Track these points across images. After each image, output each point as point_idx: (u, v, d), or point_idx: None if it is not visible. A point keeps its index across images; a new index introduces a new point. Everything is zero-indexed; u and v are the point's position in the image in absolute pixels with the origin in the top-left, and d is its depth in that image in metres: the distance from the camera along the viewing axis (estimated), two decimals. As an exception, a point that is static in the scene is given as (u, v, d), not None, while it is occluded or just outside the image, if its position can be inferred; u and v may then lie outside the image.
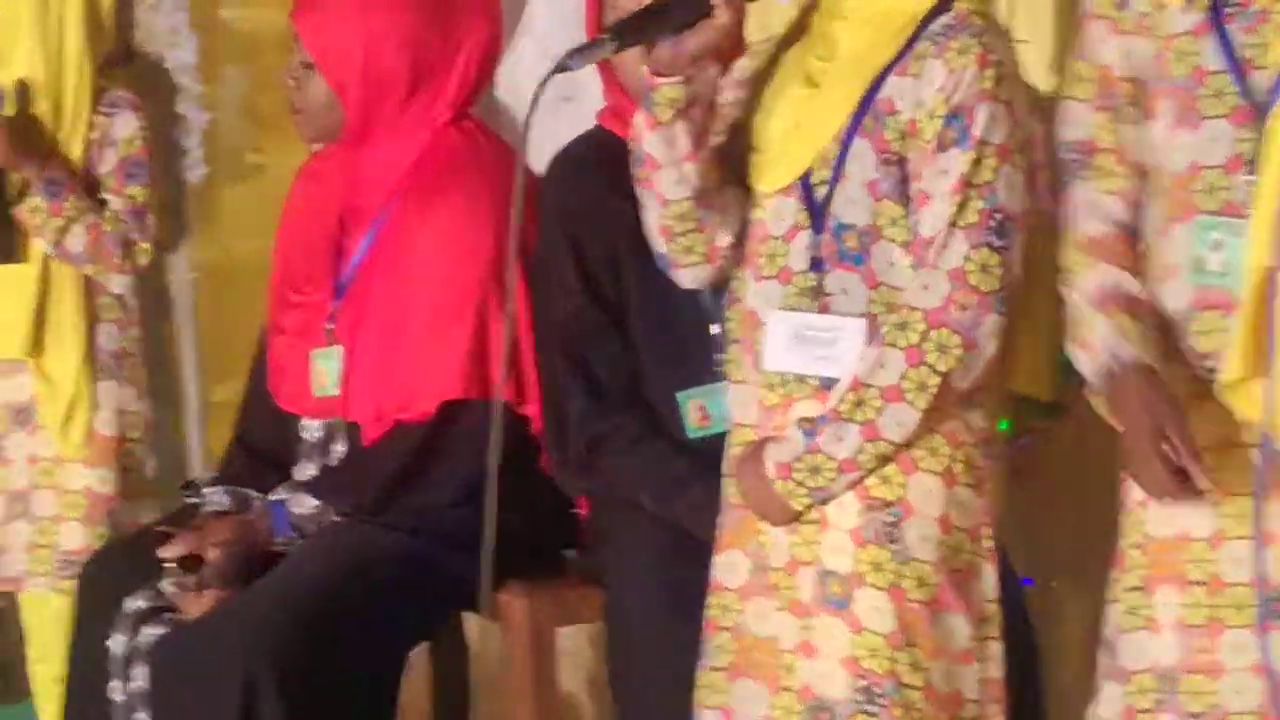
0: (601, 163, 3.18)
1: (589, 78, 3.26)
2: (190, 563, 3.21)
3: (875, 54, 2.55)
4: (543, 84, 2.51)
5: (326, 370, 3.36)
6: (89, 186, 3.75)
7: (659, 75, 2.57)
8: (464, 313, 3.27)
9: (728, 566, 2.64)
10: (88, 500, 3.76)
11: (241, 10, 4.33)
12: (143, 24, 4.11)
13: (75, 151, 3.76)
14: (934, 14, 2.55)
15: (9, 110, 3.70)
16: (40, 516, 3.76)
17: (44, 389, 3.75)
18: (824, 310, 2.54)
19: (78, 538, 3.74)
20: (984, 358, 2.50)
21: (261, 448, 3.46)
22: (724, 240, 2.64)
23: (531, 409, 3.29)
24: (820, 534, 2.55)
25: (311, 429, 3.41)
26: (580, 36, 3.21)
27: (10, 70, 3.72)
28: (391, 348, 3.30)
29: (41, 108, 3.74)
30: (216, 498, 3.35)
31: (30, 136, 3.70)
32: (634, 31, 2.58)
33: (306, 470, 3.40)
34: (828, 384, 2.53)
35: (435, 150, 3.37)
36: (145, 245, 3.77)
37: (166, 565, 3.23)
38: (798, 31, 2.65)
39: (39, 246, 3.73)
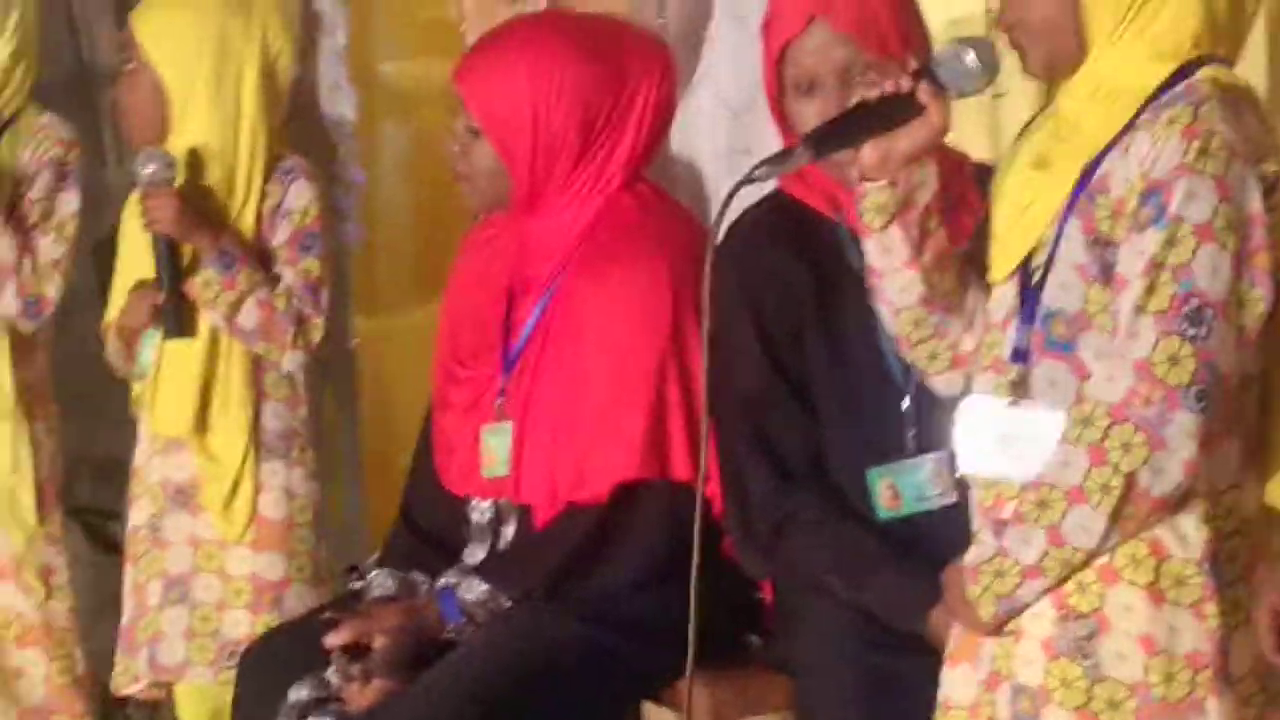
0: (782, 230, 3.09)
1: (767, 130, 3.17)
2: (357, 651, 3.13)
3: (1101, 131, 2.40)
4: (730, 196, 2.44)
5: (496, 448, 3.27)
6: (262, 258, 3.68)
7: (867, 179, 2.45)
8: (640, 388, 3.17)
9: (956, 681, 2.50)
10: (253, 586, 3.67)
11: (401, 63, 4.30)
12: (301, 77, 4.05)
13: (248, 222, 3.68)
14: (1167, 85, 2.39)
15: (181, 180, 3.63)
16: (201, 602, 3.68)
17: (208, 469, 3.67)
18: (1028, 403, 2.40)
19: (242, 626, 3.65)
20: (1177, 459, 2.30)
21: (428, 529, 3.39)
22: (969, 345, 2.52)
23: (712, 489, 3.16)
24: (1015, 645, 2.42)
25: (481, 509, 3.32)
26: (759, 86, 3.13)
27: (184, 139, 3.66)
28: (564, 425, 3.20)
29: (214, 176, 3.67)
30: (381, 582, 3.28)
31: (203, 206, 3.63)
32: (835, 139, 2.47)
33: (476, 553, 3.31)
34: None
35: (607, 216, 3.27)
36: (318, 321, 3.67)
37: (332, 654, 3.15)
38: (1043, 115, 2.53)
39: (208, 321, 3.66)
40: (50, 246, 3.93)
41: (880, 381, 3.00)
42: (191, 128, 3.65)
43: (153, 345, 3.67)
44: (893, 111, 2.42)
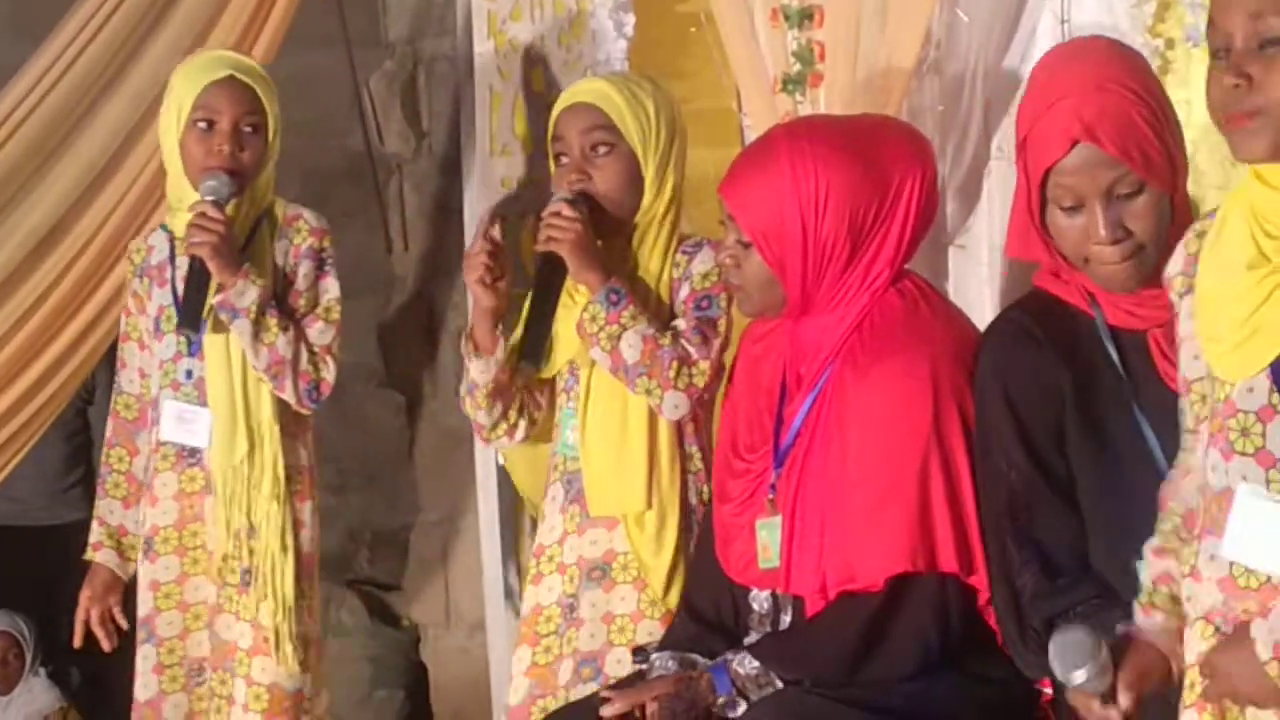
0: (1042, 328, 3.10)
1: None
2: (631, 720, 3.21)
3: None
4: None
5: (769, 541, 3.32)
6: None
7: None
8: (904, 483, 3.19)
9: None
10: None
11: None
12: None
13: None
14: None
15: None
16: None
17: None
18: None
19: None
20: None
21: (709, 616, 3.44)
22: None
23: (977, 579, 3.20)
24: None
25: (760, 599, 3.38)
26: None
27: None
28: (831, 520, 3.24)
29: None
30: (663, 664, 3.34)
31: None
32: None
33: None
34: None
35: (872, 314, 3.30)
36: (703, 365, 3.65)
37: (609, 725, 3.23)
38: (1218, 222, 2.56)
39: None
40: (320, 333, 4.09)
41: (1145, 470, 2.97)
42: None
43: (571, 426, 3.72)
44: None
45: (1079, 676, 2.63)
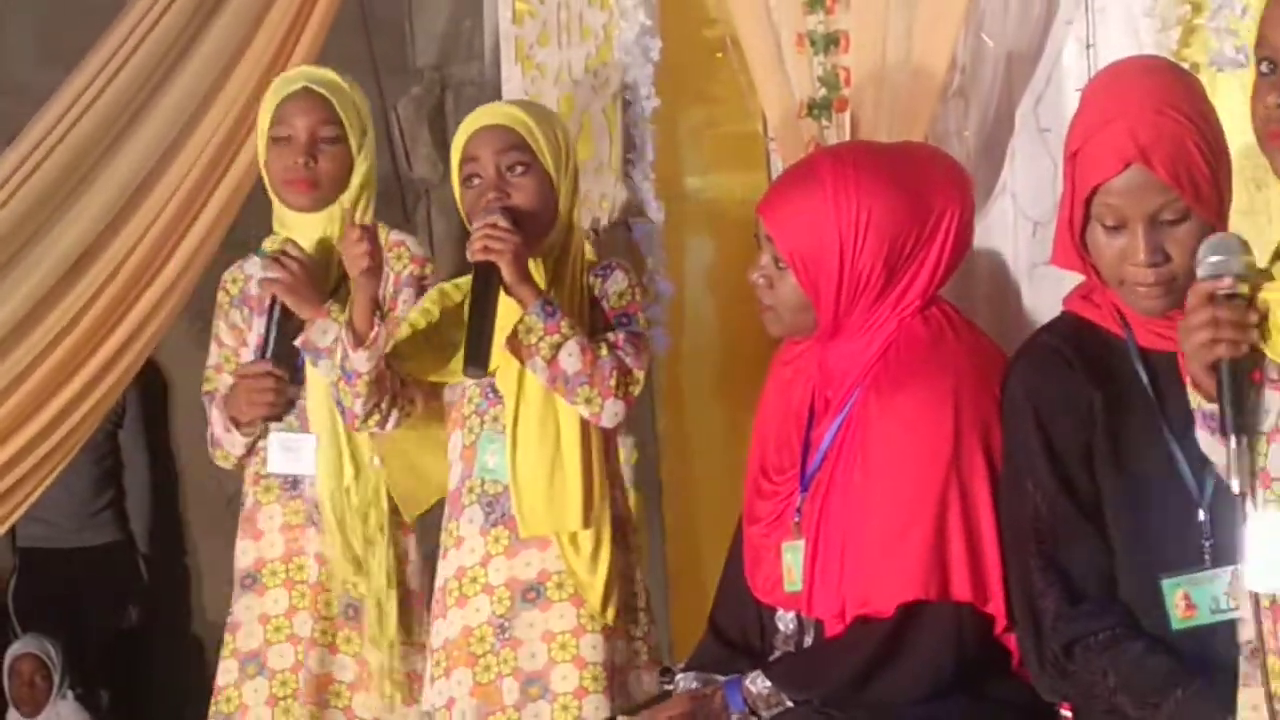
0: (1072, 351, 3.10)
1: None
2: (648, 741, 3.24)
3: None
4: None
5: (793, 564, 3.34)
6: None
7: None
8: (922, 510, 3.20)
9: None
10: (606, 672, 3.69)
11: (707, 177, 4.36)
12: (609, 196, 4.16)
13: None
14: None
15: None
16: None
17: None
18: None
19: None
20: None
21: (734, 638, 3.46)
22: None
23: (993, 607, 3.20)
24: None
25: (786, 620, 3.40)
26: (1057, 194, 3.16)
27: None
28: (851, 545, 3.25)
29: None
30: (687, 685, 3.37)
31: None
32: None
33: (781, 661, 3.40)
34: None
35: (899, 340, 3.31)
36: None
37: (626, 744, 3.26)
38: None
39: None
40: None
41: (1174, 494, 2.97)
42: None
43: (490, 451, 3.72)
44: None
45: (1218, 258, 2.55)
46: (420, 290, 4.02)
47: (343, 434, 3.98)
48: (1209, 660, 2.86)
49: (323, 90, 4.00)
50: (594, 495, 3.66)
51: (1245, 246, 2.55)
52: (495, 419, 3.71)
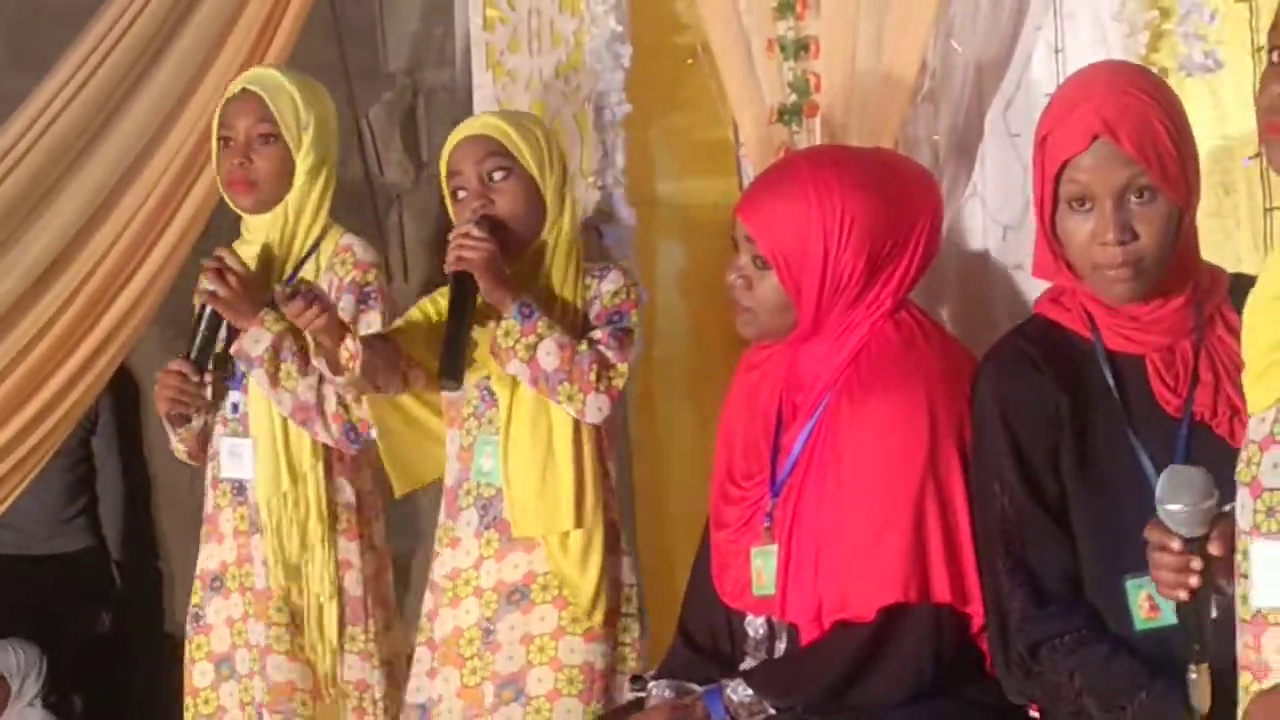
0: (1040, 354, 3.11)
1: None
2: (625, 751, 3.23)
3: None
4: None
5: (764, 569, 3.34)
6: None
7: None
8: (899, 513, 3.21)
9: None
10: (584, 676, 3.70)
11: (678, 183, 4.36)
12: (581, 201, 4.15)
13: None
14: None
15: None
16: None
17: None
18: None
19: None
20: None
21: (704, 643, 3.45)
22: None
23: (973, 608, 3.21)
24: None
25: (755, 625, 3.40)
26: (1029, 202, 3.18)
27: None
28: (826, 549, 3.26)
29: None
30: (659, 692, 3.37)
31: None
32: None
33: (751, 666, 3.38)
34: None
35: (870, 344, 3.32)
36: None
37: (601, 754, 3.25)
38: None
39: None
40: None
41: (1138, 493, 2.95)
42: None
43: (486, 453, 3.75)
44: None
45: (1176, 507, 2.56)
46: (361, 297, 4.03)
47: (279, 439, 3.99)
48: (1173, 661, 2.84)
49: (257, 89, 4.02)
50: (585, 495, 3.68)
51: (1207, 486, 2.56)
52: (491, 421, 3.74)
